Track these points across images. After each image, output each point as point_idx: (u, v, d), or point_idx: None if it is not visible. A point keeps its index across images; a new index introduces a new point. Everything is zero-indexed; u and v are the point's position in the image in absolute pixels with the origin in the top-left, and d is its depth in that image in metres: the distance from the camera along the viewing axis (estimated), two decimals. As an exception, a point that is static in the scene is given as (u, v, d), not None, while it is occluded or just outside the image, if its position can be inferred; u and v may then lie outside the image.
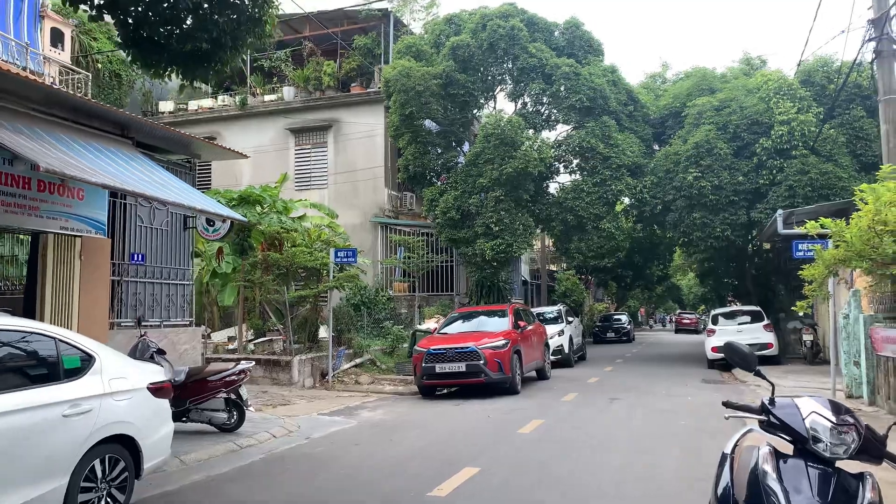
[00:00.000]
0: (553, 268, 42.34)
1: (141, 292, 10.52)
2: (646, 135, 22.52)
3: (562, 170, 22.57)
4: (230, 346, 17.09)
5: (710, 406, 11.78)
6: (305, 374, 15.13)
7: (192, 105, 26.55)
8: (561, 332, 19.75)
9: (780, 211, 15.57)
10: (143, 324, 9.21)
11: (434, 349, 13.31)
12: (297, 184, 24.61)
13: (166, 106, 26.54)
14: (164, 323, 10.91)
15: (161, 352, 8.88)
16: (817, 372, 16.72)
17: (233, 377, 8.99)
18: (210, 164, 26.01)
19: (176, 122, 24.51)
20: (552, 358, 18.69)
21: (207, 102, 26.49)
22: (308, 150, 25.16)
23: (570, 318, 21.30)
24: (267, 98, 25.71)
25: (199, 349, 11.63)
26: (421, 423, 10.53)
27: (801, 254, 12.88)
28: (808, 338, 18.35)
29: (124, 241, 10.21)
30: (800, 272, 10.27)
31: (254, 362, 10.67)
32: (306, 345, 16.27)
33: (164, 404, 6.00)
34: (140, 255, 10.38)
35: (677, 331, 54.71)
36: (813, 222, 9.48)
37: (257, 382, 15.20)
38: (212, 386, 8.92)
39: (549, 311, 21.93)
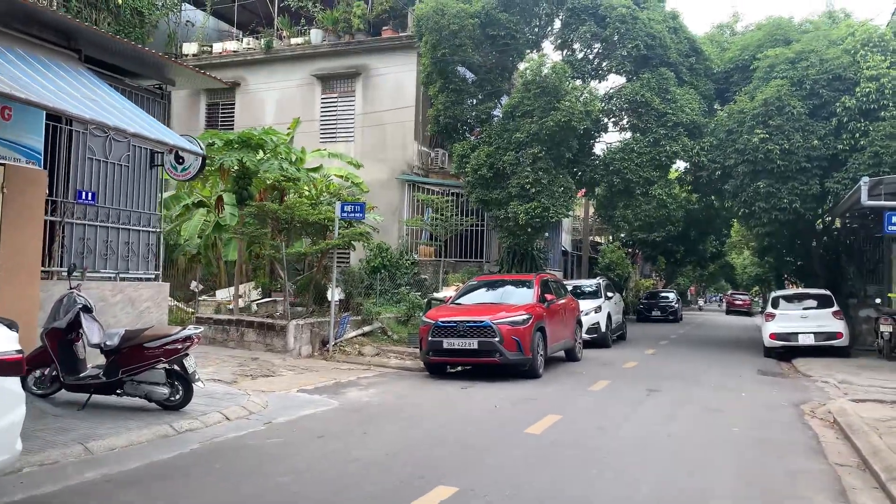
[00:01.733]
0: (598, 239, 39.97)
1: (91, 238, 8.91)
2: (707, 91, 19.89)
3: (610, 127, 20.17)
4: (231, 306, 15.62)
5: (770, 408, 9.69)
6: (303, 340, 13.53)
7: (217, 48, 24.99)
8: (598, 309, 17.68)
9: (865, 178, 13.09)
10: (75, 273, 7.60)
11: (443, 321, 11.48)
12: (322, 135, 22.90)
13: (190, 48, 25.02)
14: (121, 275, 9.32)
15: (87, 309, 7.26)
16: (896, 369, 14.32)
17: (174, 345, 7.33)
18: (233, 111, 24.60)
19: (200, 64, 22.91)
20: (586, 337, 16.74)
21: (232, 45, 24.86)
22: (335, 100, 23.33)
23: (611, 294, 19.18)
24: (293, 41, 23.90)
25: (165, 308, 10.04)
26: (411, 412, 8.75)
27: (894, 228, 10.54)
28: (885, 329, 15.82)
29: (69, 176, 8.59)
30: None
31: (202, 327, 8.94)
32: (309, 308, 14.66)
33: (8, 385, 4.31)
34: (90, 194, 8.76)
35: (728, 312, 51.85)
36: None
37: (249, 348, 13.71)
38: (149, 354, 7.29)
39: (588, 284, 19.84)
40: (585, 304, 17.46)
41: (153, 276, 9.88)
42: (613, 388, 10.87)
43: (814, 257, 21.89)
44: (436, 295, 15.33)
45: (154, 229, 9.89)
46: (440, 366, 11.91)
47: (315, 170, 17.82)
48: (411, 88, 22.26)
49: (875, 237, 20.30)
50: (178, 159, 9.57)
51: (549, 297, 12.78)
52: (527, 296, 12.58)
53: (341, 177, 18.91)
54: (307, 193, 14.15)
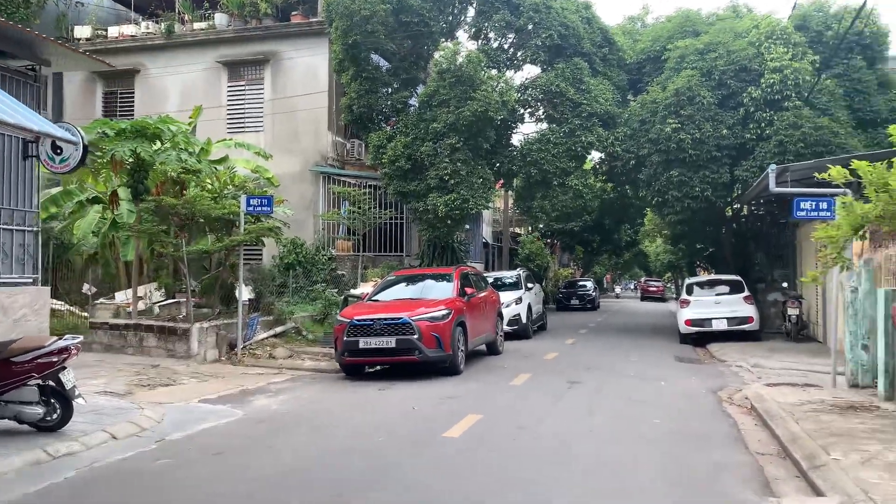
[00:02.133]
0: (518, 231, 40.16)
1: (-50, 239, 7.87)
2: (621, 81, 20.07)
3: (527, 117, 20.05)
4: (129, 309, 14.48)
5: (690, 397, 9.66)
6: (209, 344, 12.65)
7: (113, 31, 23.30)
8: (518, 300, 17.52)
9: (772, 165, 13.38)
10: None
11: (358, 319, 10.91)
12: (229, 124, 21.79)
13: (83, 31, 23.21)
14: (-9, 280, 8.29)
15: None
16: (803, 351, 14.80)
17: (48, 358, 6.48)
18: (133, 100, 23.03)
19: (94, 50, 21.30)
20: (507, 329, 16.53)
21: (130, 29, 23.24)
22: (242, 88, 22.23)
23: (531, 285, 19.08)
24: (197, 26, 22.57)
25: (45, 315, 9.03)
26: (323, 419, 8.16)
27: (803, 213, 10.70)
28: (792, 312, 16.39)
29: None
30: (813, 234, 8.06)
31: (79, 338, 8.06)
32: (216, 309, 13.76)
33: None
34: (-53, 189, 7.71)
35: (643, 298, 53.38)
36: (840, 168, 7.22)
37: (150, 354, 12.72)
38: (18, 370, 6.41)
39: (508, 276, 19.68)
40: (506, 296, 17.26)
41: (30, 280, 8.86)
42: (535, 382, 10.62)
43: (724, 244, 22.56)
44: (353, 291, 14.72)
45: (31, 228, 8.85)
46: (357, 366, 11.35)
47: (221, 161, 16.79)
48: (324, 77, 21.45)
49: (780, 223, 21.07)
50: (56, 149, 8.57)
51: (469, 290, 12.42)
52: (446, 290, 12.18)
53: (252, 170, 17.94)
54: (210, 187, 13.22)
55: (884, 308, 8.62)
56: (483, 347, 13.76)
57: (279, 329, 14.33)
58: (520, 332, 17.28)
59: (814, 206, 10.65)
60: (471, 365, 12.20)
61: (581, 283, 36.90)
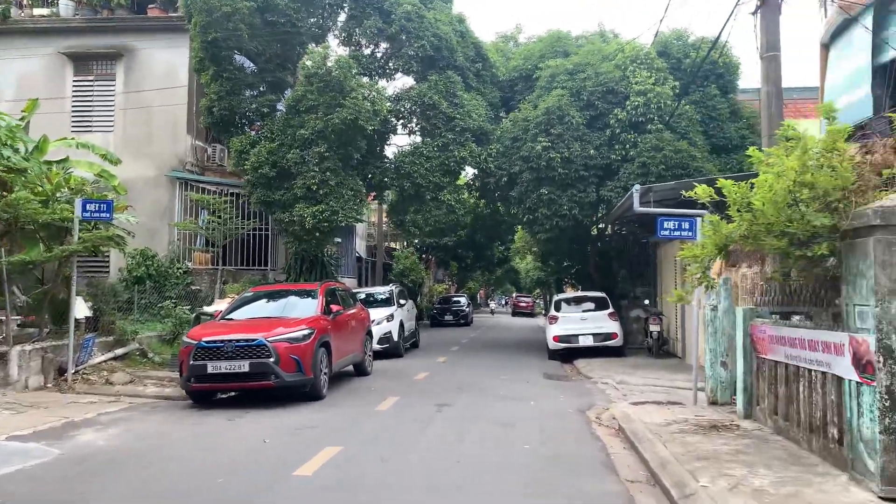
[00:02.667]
0: (394, 245, 39.66)
1: None
2: (494, 98, 20.13)
3: (400, 129, 19.60)
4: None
5: (559, 418, 9.42)
6: (32, 370, 11.01)
7: (-67, 13, 20.45)
8: (390, 317, 16.92)
9: (637, 186, 13.68)
10: None
11: (207, 341, 9.82)
12: (74, 123, 19.71)
13: None
14: None
15: None
16: (665, 367, 15.22)
17: None
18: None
19: None
20: (378, 347, 15.90)
21: (-45, 12, 20.51)
22: (90, 83, 20.21)
23: (403, 301, 18.54)
24: (37, 12, 20.32)
25: None
26: (156, 457, 7.10)
27: (666, 233, 10.88)
28: (654, 328, 16.92)
29: None
30: (679, 254, 8.05)
31: None
32: (45, 329, 12.06)
33: None
34: None
35: (514, 314, 54.55)
36: (706, 186, 7.22)
37: (-45, 382, 10.86)
38: None
39: (380, 291, 19.04)
40: (377, 313, 16.62)
41: None
42: (402, 406, 10.01)
43: (590, 261, 23.17)
44: (206, 309, 13.46)
45: None
46: (206, 392, 10.23)
47: (60, 162, 14.96)
48: (184, 76, 19.93)
49: (642, 242, 21.92)
50: None
51: (335, 307, 11.64)
52: (309, 307, 11.32)
53: (96, 174, 16.15)
54: (40, 189, 11.59)
55: (742, 326, 8.79)
56: (350, 368, 13.02)
57: (120, 351, 12.83)
58: (391, 350, 16.66)
59: (676, 226, 10.87)
60: (335, 388, 11.42)
61: (455, 298, 36.94)
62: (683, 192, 7.90)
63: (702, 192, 7.14)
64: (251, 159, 17.46)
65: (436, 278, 49.46)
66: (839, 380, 6.15)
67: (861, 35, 13.67)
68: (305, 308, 11.29)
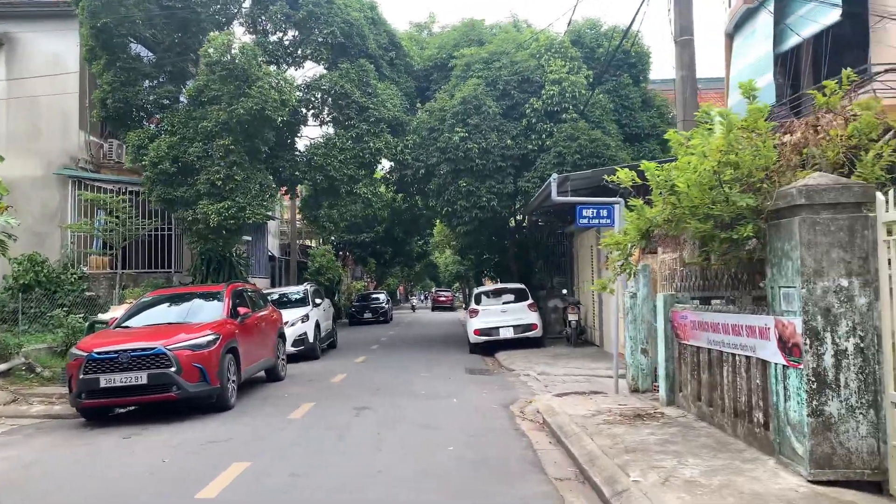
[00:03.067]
0: (310, 243, 38.50)
1: None
2: (409, 88, 19.64)
3: (311, 120, 18.79)
4: None
5: (483, 415, 9.09)
6: None
7: None
8: (305, 318, 16.18)
9: (554, 175, 13.54)
10: None
11: (99, 352, 8.90)
12: (-53, 117, 17.87)
13: None
14: None
15: None
16: (584, 355, 15.24)
17: None
18: None
19: None
20: (292, 350, 15.20)
21: None
22: (-35, 73, 18.39)
23: (319, 300, 17.80)
24: None
25: None
26: (36, 487, 6.26)
27: (585, 221, 10.78)
28: (572, 318, 16.95)
29: None
30: (602, 242, 7.85)
31: None
32: None
33: None
34: None
35: (434, 308, 54.39)
36: (626, 170, 7.01)
37: None
38: None
39: (294, 291, 18.23)
40: (291, 314, 15.88)
41: None
42: (318, 412, 9.42)
43: (509, 253, 23.08)
44: (100, 317, 12.35)
45: None
46: (101, 409, 9.30)
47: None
48: (74, 66, 18.49)
49: (559, 233, 22.02)
50: None
51: (242, 310, 10.88)
52: (215, 311, 10.52)
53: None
54: None
55: (663, 313, 8.70)
56: (262, 374, 12.27)
57: (2, 367, 11.58)
58: (307, 352, 15.95)
59: (595, 214, 10.77)
60: (245, 397, 10.68)
61: (374, 295, 36.28)
62: (606, 178, 7.67)
63: (623, 175, 6.92)
64: (150, 154, 16.26)
65: (354, 276, 48.59)
66: (764, 364, 6.06)
67: (764, 23, 14.02)
68: (210, 312, 10.48)
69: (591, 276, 17.08)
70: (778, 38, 13.72)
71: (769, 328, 5.82)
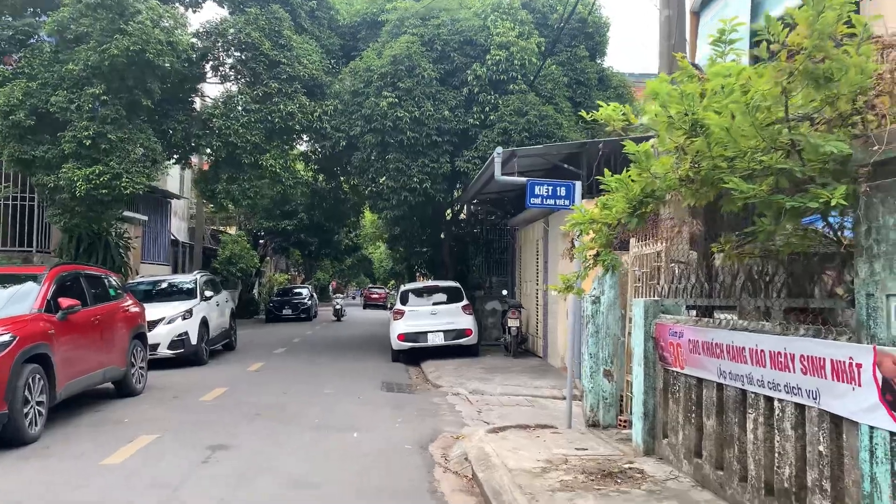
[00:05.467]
0: (228, 230, 34.95)
1: None
2: (332, 45, 16.75)
3: (210, 74, 15.70)
4: None
5: (391, 459, 6.47)
6: None
7: None
8: (187, 314, 13.15)
9: (499, 149, 11.03)
10: None
11: None
12: None
13: None
14: None
15: None
16: (526, 369, 12.80)
17: None
18: None
19: None
20: (168, 353, 12.33)
21: None
22: None
23: (211, 293, 14.73)
24: None
25: None
26: None
27: (537, 201, 8.23)
28: (513, 324, 14.44)
29: None
30: (566, 223, 5.30)
31: None
32: None
33: None
34: None
35: (365, 306, 51.46)
36: (616, 105, 4.48)
37: None
38: None
39: (180, 281, 15.10)
40: (168, 309, 12.90)
41: None
42: (154, 453, 6.56)
43: (444, 247, 20.50)
44: None
45: None
46: None
47: None
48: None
49: (499, 227, 19.62)
50: None
51: (67, 301, 7.85)
52: (22, 301, 7.50)
53: None
54: None
55: (643, 326, 6.24)
56: (109, 386, 9.30)
57: None
58: (188, 356, 12.96)
59: (550, 192, 8.23)
60: (63, 421, 7.72)
61: (297, 290, 33.09)
62: (585, 117, 5.16)
63: (612, 112, 4.39)
64: (0, 101, 12.98)
65: (278, 268, 45.20)
66: (838, 421, 3.66)
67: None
68: (15, 303, 7.45)
69: (537, 275, 14.68)
70: (756, 10, 11.62)
71: (859, 364, 3.41)
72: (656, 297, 6.45)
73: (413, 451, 6.87)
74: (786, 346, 4.04)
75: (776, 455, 4.21)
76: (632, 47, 66.27)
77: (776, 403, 4.21)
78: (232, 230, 35.07)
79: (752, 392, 4.48)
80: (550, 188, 8.09)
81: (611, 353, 7.66)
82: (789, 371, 4.02)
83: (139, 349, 9.89)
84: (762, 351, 4.30)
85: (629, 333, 7.45)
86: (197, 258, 25.21)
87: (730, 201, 3.64)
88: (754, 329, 4.48)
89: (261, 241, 34.20)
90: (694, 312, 5.95)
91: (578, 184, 8.13)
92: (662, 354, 5.99)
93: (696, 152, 3.72)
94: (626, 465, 5.86)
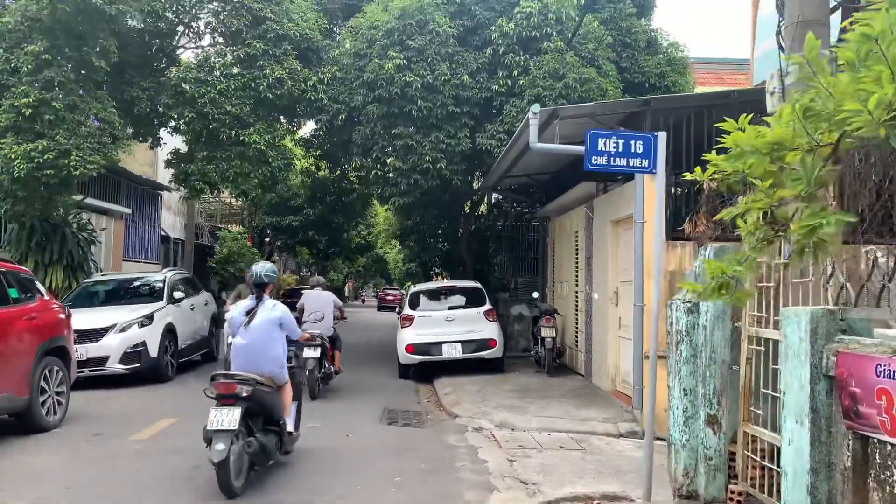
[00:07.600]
0: (231, 227, 32.60)
1: None
2: (331, 4, 14.22)
3: (181, 29, 13.25)
4: None
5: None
6: None
7: None
8: (146, 321, 10.66)
9: (535, 106, 8.41)
10: None
11: None
12: None
13: None
14: None
15: None
16: (567, 392, 10.17)
17: None
18: None
19: None
20: (119, 368, 9.97)
21: None
22: None
23: (180, 294, 12.15)
24: None
25: None
26: None
27: (602, 161, 5.55)
28: (548, 334, 11.73)
29: None
30: (713, 164, 2.68)
31: None
32: None
33: None
34: None
35: (380, 308, 49.14)
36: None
37: None
38: None
39: (149, 280, 12.60)
40: (119, 314, 10.48)
41: None
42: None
43: (462, 243, 17.88)
44: None
45: None
46: None
47: None
48: None
49: (527, 218, 17.03)
50: None
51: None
52: None
53: None
54: None
55: (808, 354, 3.60)
56: (6, 418, 6.84)
57: None
58: (146, 372, 10.47)
59: (621, 148, 5.59)
60: None
61: (304, 291, 30.67)
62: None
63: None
64: (-80, 62, 10.68)
65: (288, 268, 42.92)
66: None
67: None
68: None
69: (576, 274, 12.05)
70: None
71: None
72: (829, 307, 3.81)
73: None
74: None
75: None
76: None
77: None
78: (235, 228, 32.79)
79: None
80: (621, 141, 5.47)
81: (717, 388, 5.02)
82: None
83: (56, 369, 7.40)
84: None
85: (747, 360, 4.84)
86: (189, 256, 22.84)
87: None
88: None
89: (266, 239, 31.89)
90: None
91: (662, 135, 5.50)
92: (855, 408, 3.35)
93: None
94: None
